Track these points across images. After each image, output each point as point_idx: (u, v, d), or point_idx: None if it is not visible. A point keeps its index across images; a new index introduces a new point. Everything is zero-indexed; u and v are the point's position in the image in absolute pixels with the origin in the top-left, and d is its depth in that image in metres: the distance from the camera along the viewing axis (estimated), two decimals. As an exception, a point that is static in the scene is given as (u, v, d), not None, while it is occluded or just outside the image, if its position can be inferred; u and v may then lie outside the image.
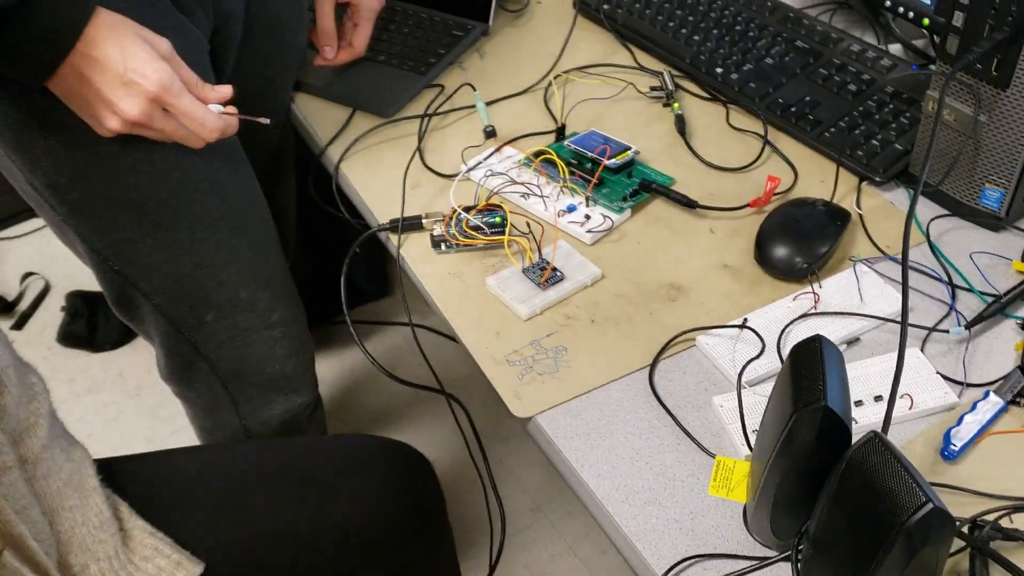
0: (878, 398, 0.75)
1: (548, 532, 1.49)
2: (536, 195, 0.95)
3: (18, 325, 1.89)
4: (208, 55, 0.94)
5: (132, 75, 0.77)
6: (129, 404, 1.73)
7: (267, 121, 0.90)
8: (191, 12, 0.89)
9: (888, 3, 1.08)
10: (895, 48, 1.13)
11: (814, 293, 0.84)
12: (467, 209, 0.92)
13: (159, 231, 0.91)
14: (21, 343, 1.86)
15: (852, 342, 0.81)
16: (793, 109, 1.02)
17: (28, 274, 1.96)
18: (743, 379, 0.77)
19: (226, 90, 0.85)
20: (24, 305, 1.92)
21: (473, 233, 0.90)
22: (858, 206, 0.93)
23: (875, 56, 1.06)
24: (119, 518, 0.80)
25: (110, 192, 0.88)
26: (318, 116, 1.09)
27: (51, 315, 1.88)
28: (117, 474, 0.83)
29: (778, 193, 0.94)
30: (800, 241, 0.86)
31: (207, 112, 0.82)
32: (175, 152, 0.88)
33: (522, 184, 0.96)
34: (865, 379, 0.77)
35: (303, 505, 0.86)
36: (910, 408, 0.75)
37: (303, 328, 1.09)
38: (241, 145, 1.00)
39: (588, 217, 0.93)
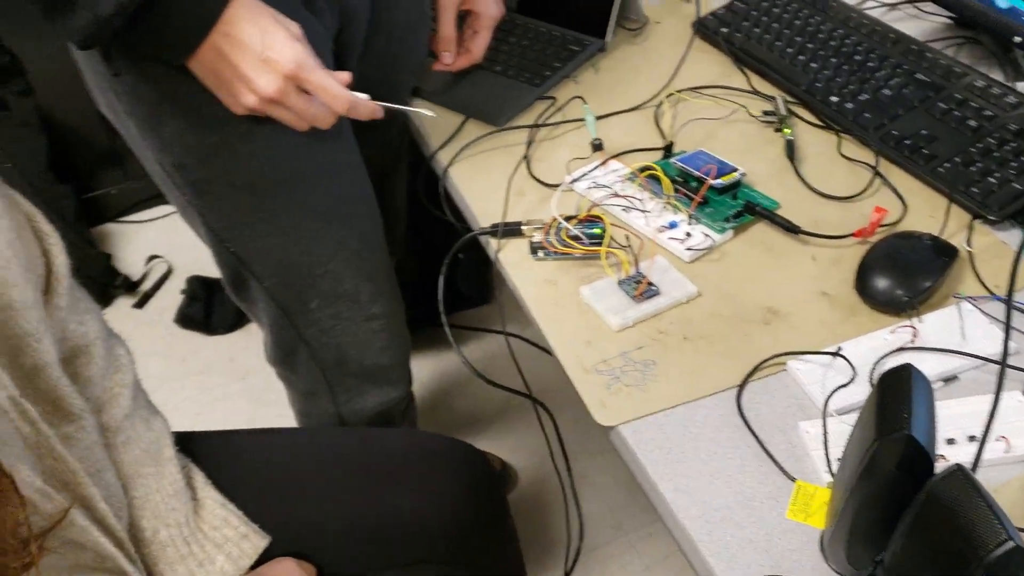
0: (972, 438, 0.73)
1: (627, 550, 1.49)
2: (638, 209, 0.96)
3: (140, 304, 2.00)
4: (332, 55, 0.98)
5: (269, 53, 0.81)
6: (236, 387, 1.81)
7: (431, 114, 0.94)
8: (319, 11, 0.94)
9: (1019, 39, 1.05)
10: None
11: (913, 327, 0.82)
12: (568, 218, 0.94)
13: (274, 217, 0.96)
14: (141, 321, 1.97)
15: (950, 379, 0.79)
16: (908, 142, 1.00)
17: (153, 257, 2.07)
18: (832, 407, 0.77)
19: (345, 76, 0.88)
20: (147, 286, 2.03)
21: (571, 242, 0.92)
22: (968, 244, 0.91)
23: (1000, 92, 1.03)
24: (193, 487, 0.83)
25: (232, 176, 0.92)
26: (432, 121, 1.12)
27: (171, 297, 1.98)
28: (195, 447, 0.87)
29: (884, 225, 0.92)
30: (903, 274, 0.85)
31: (338, 85, 0.86)
32: (296, 143, 0.92)
33: (625, 197, 0.97)
34: (960, 418, 0.75)
35: (368, 493, 0.89)
36: (1006, 451, 0.72)
37: (402, 323, 1.12)
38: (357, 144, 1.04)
39: (689, 235, 0.93)
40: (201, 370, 1.85)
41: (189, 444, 0.86)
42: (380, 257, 1.07)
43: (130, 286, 2.02)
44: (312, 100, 0.86)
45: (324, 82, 0.85)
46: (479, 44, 1.14)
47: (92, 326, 0.78)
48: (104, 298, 2.00)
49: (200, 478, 0.84)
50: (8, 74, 1.89)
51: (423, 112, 0.95)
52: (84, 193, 2.10)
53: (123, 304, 2.01)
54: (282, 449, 0.94)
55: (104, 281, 1.99)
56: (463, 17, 1.15)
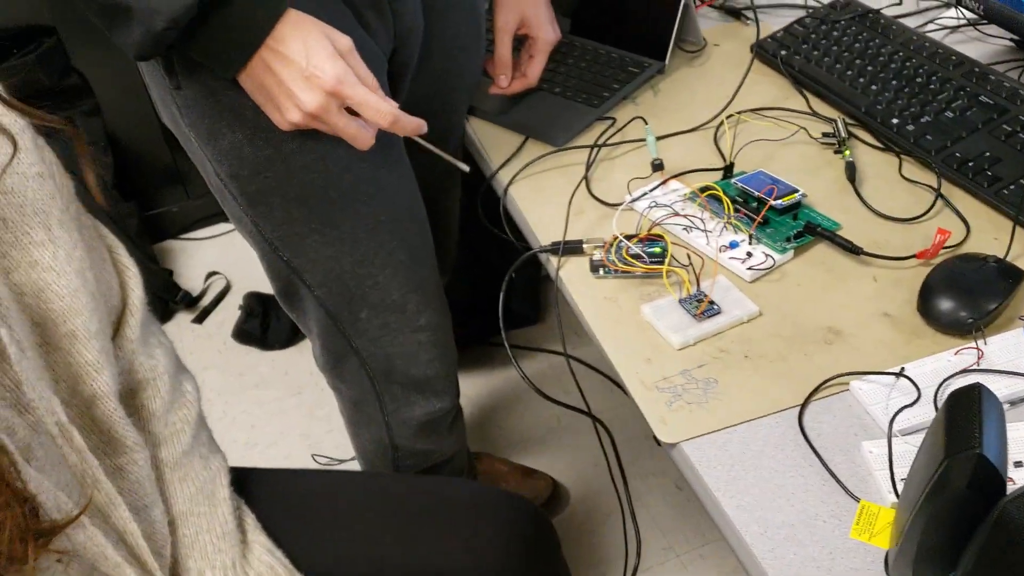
0: (1040, 461, 0.73)
1: (679, 571, 1.48)
2: (699, 229, 0.97)
3: (199, 319, 2.04)
4: (386, 75, 1.00)
5: (313, 69, 0.83)
6: (291, 401, 1.84)
7: (466, 168, 0.95)
8: (374, 32, 0.96)
9: (1083, 62, 1.05)
10: (1088, 109, 1.09)
11: (978, 349, 0.82)
12: (628, 237, 0.95)
13: (326, 227, 0.98)
14: (200, 336, 2.01)
15: (1017, 403, 0.79)
16: (971, 164, 1.00)
17: (212, 273, 2.11)
18: (896, 427, 0.76)
19: (392, 105, 0.89)
20: (206, 301, 2.08)
21: (632, 261, 0.93)
22: (1034, 266, 0.90)
23: (1065, 115, 1.02)
24: (244, 530, 0.83)
25: (285, 187, 0.95)
26: (492, 141, 1.14)
27: (229, 312, 2.02)
28: (250, 485, 0.87)
29: (947, 247, 0.92)
30: (967, 295, 0.85)
31: (380, 101, 0.86)
32: (347, 156, 0.94)
33: (685, 217, 0.98)
34: (1027, 441, 0.74)
35: (418, 545, 0.88)
36: (1075, 476, 0.72)
37: (448, 335, 1.13)
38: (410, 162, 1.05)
39: (749, 255, 0.94)
40: (257, 384, 1.89)
41: (244, 481, 0.87)
42: (428, 271, 1.09)
43: (190, 301, 2.07)
44: (354, 119, 0.88)
45: (366, 98, 0.86)
46: (534, 69, 1.16)
47: (162, 360, 0.80)
48: (165, 313, 2.05)
49: (251, 521, 0.84)
50: (77, 95, 1.95)
51: (459, 164, 0.96)
52: (147, 210, 2.16)
53: (183, 319, 2.05)
54: (334, 493, 0.94)
55: (165, 297, 2.04)
56: (521, 41, 1.17)
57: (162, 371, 0.79)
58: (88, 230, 0.74)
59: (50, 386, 0.66)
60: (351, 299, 1.04)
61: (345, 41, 0.86)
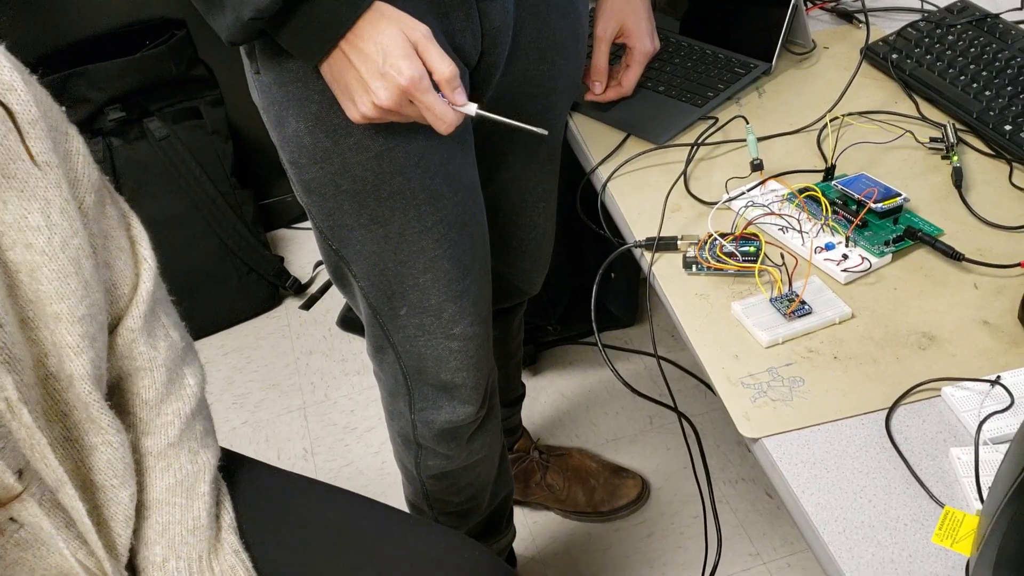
0: None
1: (765, 578, 1.47)
2: (795, 229, 0.96)
3: (306, 306, 2.11)
4: (468, 80, 1.00)
5: (389, 68, 0.86)
6: (389, 388, 1.89)
7: (544, 132, 0.94)
8: (460, 33, 0.96)
9: None
10: None
11: (1081, 361, 0.79)
12: (723, 235, 0.95)
13: (373, 224, 1.00)
14: (307, 322, 2.09)
15: (1119, 418, 0.76)
16: (1087, 173, 0.96)
17: (320, 263, 2.19)
18: (987, 435, 0.75)
19: (471, 107, 0.90)
20: (313, 289, 2.15)
21: (725, 258, 0.93)
22: None
23: None
24: (218, 526, 0.85)
25: (339, 181, 0.98)
26: (593, 137, 1.16)
27: (335, 301, 2.09)
28: (241, 474, 0.89)
29: (1056, 256, 0.90)
30: (1073, 306, 0.82)
31: (447, 109, 0.88)
32: (402, 160, 0.96)
33: (782, 216, 0.97)
34: None
35: None
36: None
37: (481, 348, 1.13)
38: (502, 160, 1.04)
39: (845, 257, 0.93)
40: (358, 371, 1.94)
41: (237, 468, 0.89)
42: (473, 283, 1.09)
43: (299, 288, 2.14)
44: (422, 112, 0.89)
45: (432, 103, 0.88)
46: (630, 78, 1.16)
47: (163, 353, 0.83)
48: (275, 299, 2.14)
49: (227, 519, 0.86)
50: (204, 85, 2.05)
51: (535, 130, 0.93)
52: (262, 199, 2.25)
53: (291, 305, 2.13)
54: (314, 503, 0.94)
55: (276, 283, 2.12)
56: (620, 50, 1.17)
57: (160, 363, 0.82)
58: (109, 220, 0.77)
59: (20, 363, 0.69)
60: (392, 295, 1.06)
61: (420, 32, 0.87)
